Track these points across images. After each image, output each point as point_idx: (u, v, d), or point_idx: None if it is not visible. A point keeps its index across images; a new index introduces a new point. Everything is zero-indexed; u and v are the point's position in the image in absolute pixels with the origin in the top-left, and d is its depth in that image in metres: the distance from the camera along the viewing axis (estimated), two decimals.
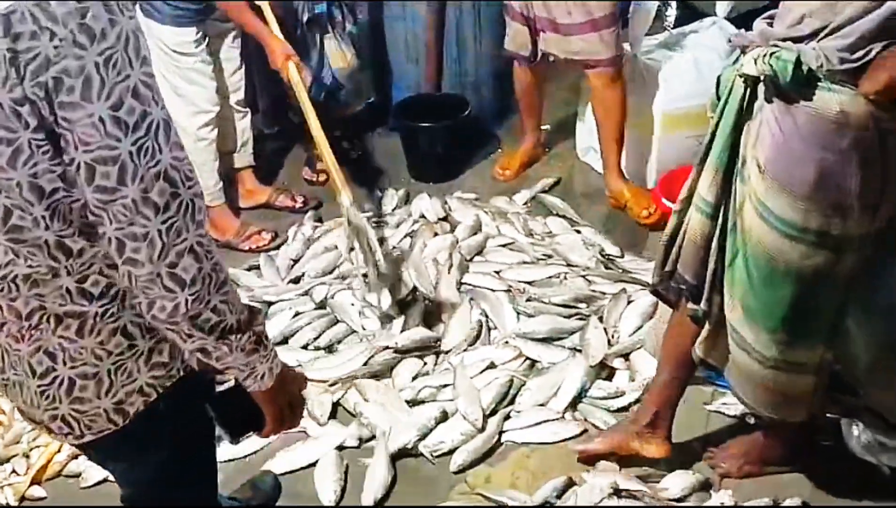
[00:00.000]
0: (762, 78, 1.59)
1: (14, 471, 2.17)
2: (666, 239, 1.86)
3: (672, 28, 3.59)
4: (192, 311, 1.04)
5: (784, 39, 1.57)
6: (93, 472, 2.15)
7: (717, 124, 1.71)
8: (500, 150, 3.55)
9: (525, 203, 3.16)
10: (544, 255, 2.82)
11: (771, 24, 1.64)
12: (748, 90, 1.64)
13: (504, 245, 2.88)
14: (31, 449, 2.21)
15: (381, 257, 2.57)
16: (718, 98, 1.71)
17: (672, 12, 3.95)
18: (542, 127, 3.44)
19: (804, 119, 1.54)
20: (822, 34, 1.52)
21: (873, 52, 1.46)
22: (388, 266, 2.61)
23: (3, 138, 0.97)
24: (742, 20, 3.36)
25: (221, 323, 1.08)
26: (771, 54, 1.56)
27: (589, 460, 2.10)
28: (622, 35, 2.94)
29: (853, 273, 1.64)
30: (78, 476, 2.16)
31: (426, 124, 3.31)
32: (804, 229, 1.59)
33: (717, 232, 1.73)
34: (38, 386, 1.17)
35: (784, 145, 1.58)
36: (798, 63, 1.51)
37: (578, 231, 2.96)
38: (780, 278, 1.65)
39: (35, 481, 2.14)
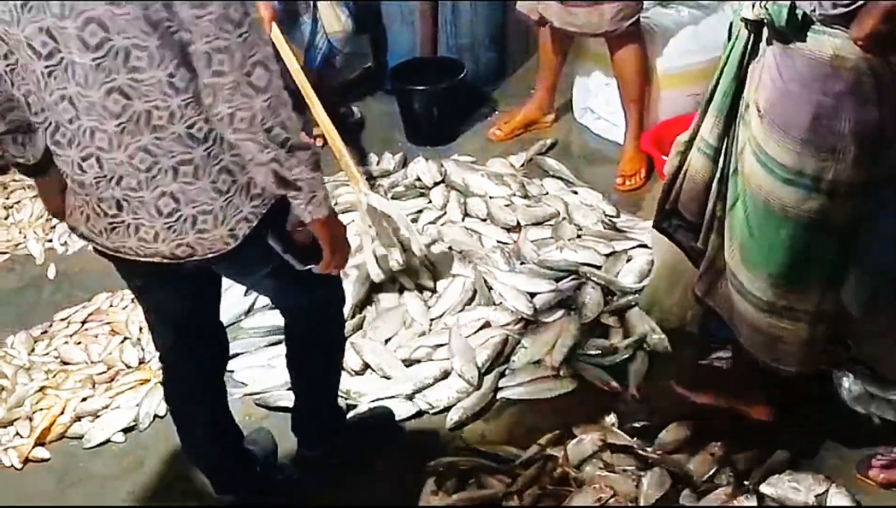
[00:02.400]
0: (765, 22, 1.60)
1: (18, 433, 2.20)
2: (668, 177, 1.91)
3: None
4: (266, 122, 1.27)
5: None
6: (95, 434, 2.19)
7: (722, 69, 1.75)
8: (496, 112, 3.55)
9: (522, 165, 3.16)
10: (540, 215, 2.82)
11: None
12: (752, 35, 1.66)
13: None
14: (34, 412, 2.25)
15: (419, 241, 2.57)
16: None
17: None
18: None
19: (801, 63, 1.56)
20: None
21: None
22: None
23: (137, 46, 1.21)
24: None
25: (289, 139, 1.31)
26: None
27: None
28: (637, 7, 2.85)
29: (848, 222, 1.65)
30: (81, 437, 2.20)
31: (422, 88, 3.30)
32: (799, 172, 1.61)
33: (718, 175, 1.79)
34: (165, 224, 1.40)
35: (782, 88, 1.60)
36: (793, 8, 1.54)
37: (575, 192, 2.97)
38: (776, 222, 1.68)
39: (39, 443, 2.18)
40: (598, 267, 2.58)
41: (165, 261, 1.46)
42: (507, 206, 2.88)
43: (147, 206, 1.39)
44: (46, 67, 1.26)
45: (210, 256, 1.46)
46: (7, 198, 3.10)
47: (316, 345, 1.87)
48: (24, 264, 2.85)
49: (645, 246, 2.62)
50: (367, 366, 2.33)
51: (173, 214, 1.40)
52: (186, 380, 1.80)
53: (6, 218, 3.02)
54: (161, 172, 1.35)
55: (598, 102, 3.27)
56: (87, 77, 1.25)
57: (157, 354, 2.34)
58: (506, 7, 3.58)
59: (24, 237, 2.92)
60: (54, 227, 2.96)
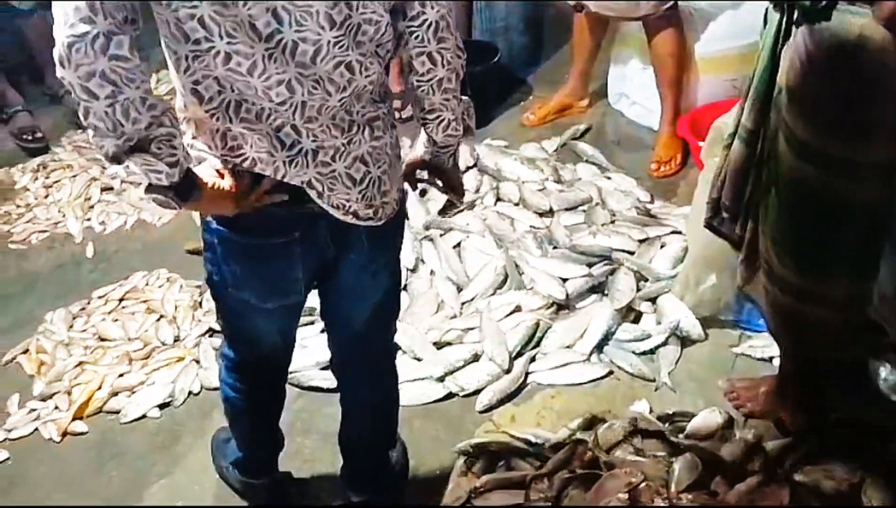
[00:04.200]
0: (792, 4, 1.58)
1: (56, 407, 2.25)
2: (717, 171, 1.91)
3: None
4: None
5: None
6: (131, 409, 2.23)
7: (759, 56, 1.74)
8: (531, 97, 3.53)
9: (555, 150, 3.15)
10: (573, 200, 2.81)
11: None
12: (783, 18, 1.64)
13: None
14: (72, 387, 2.29)
15: None
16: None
17: None
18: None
19: (827, 43, 1.54)
20: None
21: None
22: None
23: None
24: None
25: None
26: None
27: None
28: None
29: (878, 203, 1.62)
30: (118, 412, 2.24)
31: None
32: (827, 154, 1.59)
33: (755, 159, 1.78)
34: (359, 191, 1.41)
35: (809, 69, 1.58)
36: None
37: (609, 177, 2.95)
38: (805, 205, 1.67)
39: (77, 416, 2.23)
40: (632, 253, 2.56)
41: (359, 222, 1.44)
42: (539, 190, 2.87)
43: (341, 177, 1.39)
44: (266, 49, 1.23)
45: (383, 220, 1.47)
46: (47, 177, 3.15)
47: (370, 400, 1.81)
48: (64, 242, 2.90)
49: (679, 232, 2.60)
50: (398, 348, 2.34)
51: (365, 178, 1.41)
52: (271, 379, 1.77)
53: (46, 197, 3.07)
54: (357, 132, 1.37)
55: (633, 87, 3.24)
56: (324, 53, 1.26)
57: (195, 335, 2.41)
58: None
59: (63, 216, 2.97)
60: (93, 206, 3.01)
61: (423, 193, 1.62)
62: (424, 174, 1.60)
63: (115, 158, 1.23)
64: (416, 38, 1.35)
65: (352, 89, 1.32)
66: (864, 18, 1.49)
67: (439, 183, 1.63)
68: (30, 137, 3.27)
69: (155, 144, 1.23)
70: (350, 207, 1.42)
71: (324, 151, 1.36)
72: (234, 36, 1.21)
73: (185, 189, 1.30)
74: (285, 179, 1.36)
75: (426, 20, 1.33)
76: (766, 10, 1.75)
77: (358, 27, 1.28)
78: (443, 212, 1.74)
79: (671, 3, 2.81)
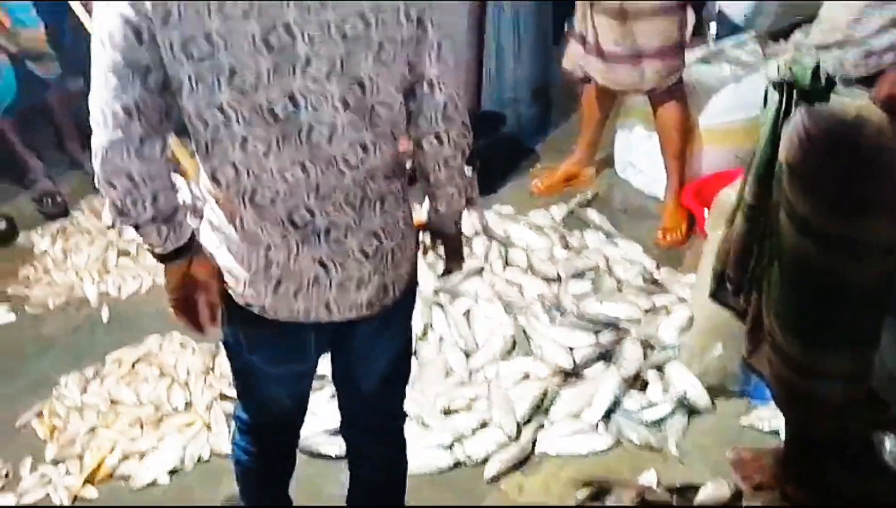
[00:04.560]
0: (791, 84, 1.65)
1: (68, 472, 2.27)
2: (721, 244, 1.95)
3: (713, 42, 3.61)
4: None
5: (812, 48, 1.63)
6: (143, 474, 2.25)
7: (760, 132, 1.79)
8: (538, 165, 3.60)
9: (563, 217, 3.20)
10: (580, 267, 2.85)
11: (807, 36, 1.70)
12: (783, 97, 1.70)
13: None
14: (84, 452, 2.32)
15: None
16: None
17: (713, 26, 3.97)
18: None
19: (826, 123, 1.60)
20: (846, 45, 1.57)
21: (886, 62, 1.50)
22: None
23: (390, 37, 1.28)
24: (781, 33, 3.38)
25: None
26: (794, 60, 1.64)
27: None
28: (679, 65, 2.90)
29: (877, 282, 1.66)
30: (128, 478, 2.26)
31: None
32: (826, 232, 1.63)
33: (758, 234, 1.82)
34: (371, 266, 1.43)
35: (808, 147, 1.63)
36: (817, 68, 1.58)
37: (616, 245, 3.00)
38: (806, 281, 1.70)
39: (88, 482, 2.24)
40: (639, 321, 2.59)
41: (359, 316, 1.46)
42: (547, 257, 2.91)
43: (353, 253, 1.41)
44: (282, 132, 1.28)
45: (398, 297, 1.49)
46: (66, 241, 3.22)
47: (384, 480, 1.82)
48: (80, 306, 2.95)
49: (685, 301, 2.63)
50: (406, 414, 2.35)
51: (377, 252, 1.43)
52: (282, 443, 1.79)
53: (64, 261, 3.13)
54: (368, 208, 1.40)
55: (639, 156, 3.31)
56: (339, 134, 1.31)
57: (206, 400, 2.44)
58: (549, 62, 3.66)
59: (81, 280, 3.03)
60: (109, 271, 3.07)
61: (424, 251, 1.65)
62: (427, 238, 1.64)
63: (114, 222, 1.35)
64: (424, 118, 1.39)
65: (365, 168, 1.36)
66: (862, 100, 1.55)
67: (441, 248, 1.66)
68: (50, 202, 3.36)
69: (153, 226, 1.33)
70: (360, 299, 1.44)
71: (336, 227, 1.39)
72: (250, 121, 1.26)
73: (169, 257, 1.39)
74: (298, 259, 1.39)
75: (434, 102, 1.38)
76: (766, 89, 1.81)
77: (372, 109, 1.32)
78: (443, 275, 1.77)
79: (676, 77, 2.89)
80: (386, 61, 1.29)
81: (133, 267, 3.08)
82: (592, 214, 3.19)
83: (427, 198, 1.56)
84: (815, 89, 1.60)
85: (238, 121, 1.26)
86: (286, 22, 1.22)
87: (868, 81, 1.54)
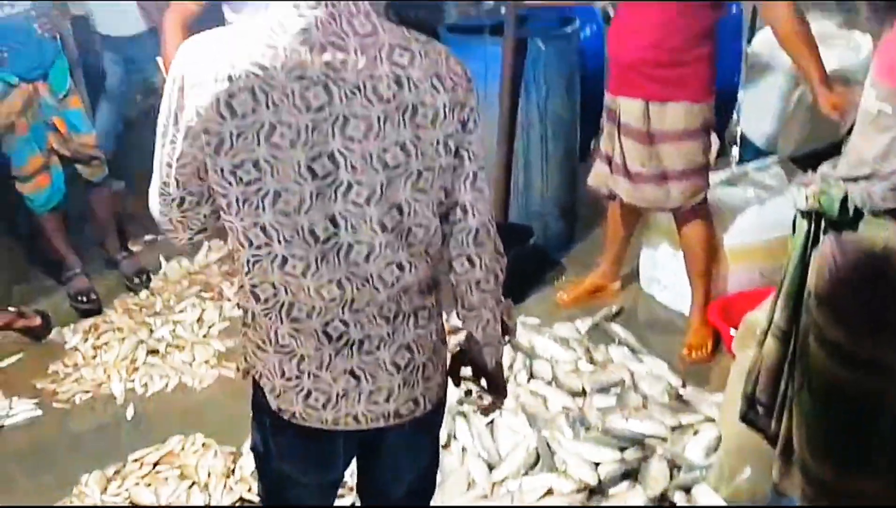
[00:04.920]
0: (819, 213, 1.69)
1: None
2: (751, 366, 1.95)
3: (736, 165, 3.71)
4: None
5: (839, 179, 1.69)
6: None
7: (790, 256, 1.83)
8: (564, 278, 3.65)
9: (587, 330, 3.21)
10: (605, 382, 2.84)
11: (834, 167, 1.77)
12: (811, 225, 1.74)
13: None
14: None
15: None
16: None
17: (735, 149, 4.10)
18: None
19: (853, 253, 1.63)
20: (872, 178, 1.63)
21: None
22: None
23: (429, 166, 1.32)
24: (804, 160, 3.47)
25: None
26: (822, 191, 1.68)
27: None
28: (704, 186, 2.96)
29: None
30: None
31: None
32: (856, 357, 1.64)
33: (789, 358, 1.83)
34: (402, 377, 1.44)
35: (837, 276, 1.66)
36: (844, 200, 1.63)
37: (641, 361, 2.99)
38: (837, 405, 1.70)
39: None
40: (664, 439, 2.56)
41: (388, 425, 1.47)
42: (572, 370, 2.91)
43: (384, 365, 1.42)
44: (321, 252, 1.32)
45: (428, 409, 1.49)
46: (97, 338, 3.27)
47: None
48: (106, 403, 2.97)
49: (712, 420, 2.60)
50: None
51: (409, 365, 1.44)
52: None
53: (94, 357, 3.17)
54: (402, 322, 1.41)
55: (664, 272, 3.34)
56: (376, 254, 1.34)
57: (226, 503, 2.42)
58: (575, 178, 3.76)
59: (108, 378, 3.06)
60: (137, 368, 3.10)
61: (468, 392, 1.65)
62: (468, 371, 1.63)
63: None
64: (457, 241, 1.42)
65: (400, 286, 1.38)
66: (888, 231, 1.59)
67: (483, 383, 1.64)
68: (84, 299, 3.42)
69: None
70: (389, 409, 1.45)
71: (369, 339, 1.40)
72: (290, 241, 1.31)
73: None
74: (330, 369, 1.40)
75: (467, 227, 1.41)
76: (795, 216, 1.86)
77: (409, 231, 1.35)
78: (484, 412, 1.75)
79: (701, 197, 2.96)
80: (424, 188, 1.33)
81: (161, 366, 3.12)
82: (617, 328, 3.20)
83: (462, 324, 1.55)
84: (843, 220, 1.64)
85: (279, 241, 1.31)
86: (331, 151, 1.27)
87: (895, 213, 1.59)
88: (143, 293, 3.55)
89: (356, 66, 1.25)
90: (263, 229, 1.31)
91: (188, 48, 1.30)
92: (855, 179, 1.66)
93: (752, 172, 3.34)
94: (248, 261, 1.35)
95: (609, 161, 3.05)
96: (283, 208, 1.29)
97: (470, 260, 1.43)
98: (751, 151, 3.89)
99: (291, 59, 1.23)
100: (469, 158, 1.37)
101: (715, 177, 3.26)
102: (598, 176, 3.15)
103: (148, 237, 3.95)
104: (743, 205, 3.15)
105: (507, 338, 1.58)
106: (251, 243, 1.33)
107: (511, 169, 3.62)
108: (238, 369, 1.57)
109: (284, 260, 1.33)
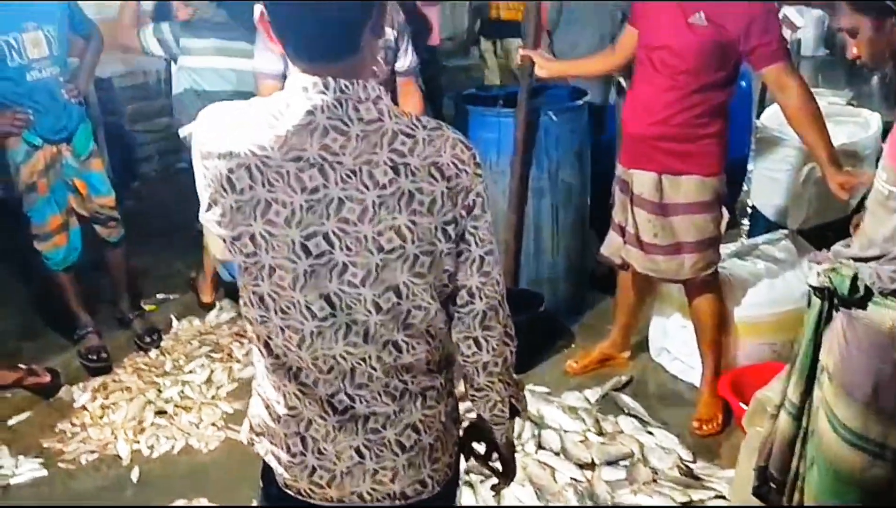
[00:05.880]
0: (829, 291, 1.71)
1: None
2: (763, 441, 1.95)
3: (746, 237, 3.74)
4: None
5: (850, 259, 1.71)
6: None
7: (804, 331, 1.85)
8: (574, 345, 3.64)
9: (597, 400, 3.20)
10: (614, 454, 2.81)
11: (847, 246, 1.79)
12: (824, 302, 1.76)
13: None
14: None
15: None
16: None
17: (746, 222, 4.12)
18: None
19: (863, 331, 1.64)
20: (882, 259, 1.65)
21: None
22: None
23: (426, 251, 1.30)
24: (813, 233, 3.49)
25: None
26: (833, 269, 1.70)
27: None
28: (716, 258, 2.97)
29: None
30: None
31: None
32: (864, 437, 1.64)
33: (801, 434, 1.83)
34: (407, 458, 1.42)
35: (847, 354, 1.67)
36: (854, 279, 1.64)
37: (651, 433, 2.97)
38: (845, 485, 1.70)
39: None
40: None
41: (395, 504, 1.45)
42: (581, 441, 2.89)
43: (390, 444, 1.41)
44: (318, 329, 1.32)
45: (436, 490, 1.47)
46: (106, 398, 3.27)
47: None
48: (111, 464, 2.95)
49: (723, 497, 2.57)
50: None
51: (415, 446, 1.42)
52: None
53: (101, 417, 3.17)
54: (409, 401, 1.40)
55: (674, 343, 3.34)
56: (372, 334, 1.33)
57: None
58: (586, 244, 3.79)
59: (115, 438, 3.05)
60: (144, 429, 3.09)
61: (467, 456, 1.62)
62: (482, 448, 1.61)
63: None
64: (464, 323, 1.40)
65: (400, 365, 1.37)
66: None
67: (493, 461, 1.62)
68: (95, 358, 3.44)
69: None
70: (395, 489, 1.43)
71: (375, 417, 1.39)
72: (287, 313, 1.32)
73: None
74: (335, 443, 1.39)
75: (474, 310, 1.39)
76: (809, 293, 1.87)
77: (407, 312, 1.33)
78: (494, 490, 1.73)
79: (712, 269, 2.97)
80: (421, 272, 1.31)
81: (168, 427, 3.11)
82: (627, 398, 3.18)
83: (472, 404, 1.53)
84: (854, 299, 1.66)
85: (276, 312, 1.33)
86: (325, 232, 1.27)
87: None
88: (154, 352, 3.57)
89: (355, 151, 1.26)
90: (261, 299, 1.33)
91: (208, 118, 1.34)
92: (865, 260, 1.68)
93: (762, 245, 3.35)
94: (256, 318, 1.36)
95: (622, 231, 3.08)
96: (279, 283, 1.31)
97: (477, 343, 1.42)
98: (761, 224, 3.91)
99: (291, 140, 1.25)
100: (476, 242, 1.35)
101: (725, 250, 3.27)
102: (612, 246, 3.17)
103: (160, 296, 3.99)
104: (753, 279, 3.15)
105: (516, 419, 1.56)
106: (255, 308, 1.35)
107: (522, 235, 3.66)
108: (245, 436, 1.55)
109: (282, 330, 1.34)
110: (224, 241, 1.32)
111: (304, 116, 1.25)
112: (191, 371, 3.42)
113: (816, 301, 1.78)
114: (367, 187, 1.26)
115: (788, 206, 3.70)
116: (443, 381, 1.44)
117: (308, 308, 1.31)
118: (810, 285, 1.76)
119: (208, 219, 1.33)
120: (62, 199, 3.32)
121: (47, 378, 3.27)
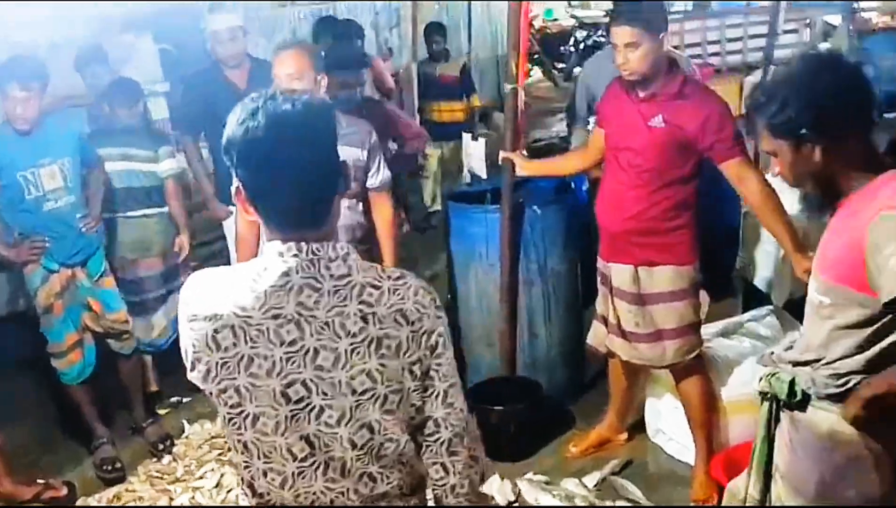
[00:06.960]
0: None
1: None
2: None
3: (742, 312, 3.80)
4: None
5: (791, 363, 1.81)
6: None
7: (756, 432, 1.94)
8: (572, 429, 3.70)
9: (595, 485, 3.25)
10: None
11: (790, 348, 1.89)
12: (771, 404, 1.85)
13: None
14: None
15: None
16: None
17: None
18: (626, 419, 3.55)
19: (805, 433, 1.74)
20: (818, 364, 1.74)
21: (852, 383, 1.66)
22: None
23: (395, 390, 1.41)
24: (798, 307, 3.55)
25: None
26: (773, 374, 1.80)
27: None
28: (697, 342, 3.06)
29: None
30: None
31: (499, 407, 3.51)
32: None
33: None
34: None
35: (793, 454, 1.77)
36: (792, 384, 1.73)
37: None
38: None
39: None
40: None
41: None
42: None
43: None
44: (298, 469, 1.44)
45: None
46: None
47: None
48: None
49: None
50: None
51: None
52: None
53: None
54: None
55: (669, 424, 3.40)
56: (349, 468, 1.44)
57: None
58: (581, 327, 3.87)
59: None
60: None
61: None
62: None
63: None
64: (432, 451, 1.51)
65: (377, 493, 1.49)
66: (833, 417, 1.69)
67: None
68: (109, 468, 3.56)
69: None
70: None
71: None
72: (270, 457, 1.43)
73: None
74: None
75: (440, 438, 1.48)
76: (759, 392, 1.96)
77: (380, 446, 1.44)
78: None
79: (695, 352, 3.06)
80: (391, 409, 1.43)
81: None
82: (625, 482, 3.23)
83: None
84: (793, 402, 1.75)
85: (259, 457, 1.46)
86: (303, 379, 1.42)
87: (839, 397, 1.69)
88: (166, 458, 3.69)
89: (328, 305, 1.41)
90: (245, 445, 1.46)
91: (194, 283, 1.50)
92: (803, 364, 1.78)
93: (746, 323, 3.43)
94: (239, 464, 1.50)
95: (605, 321, 3.18)
96: (262, 429, 1.44)
97: (444, 468, 1.52)
98: (756, 295, 3.97)
99: (269, 300, 1.41)
100: (440, 378, 1.47)
101: (710, 329, 3.36)
102: (597, 336, 3.27)
103: (173, 399, 4.12)
104: (739, 357, 3.23)
105: None
106: (240, 452, 1.48)
107: (516, 323, 3.76)
108: None
109: (265, 473, 1.47)
110: (210, 395, 1.46)
111: (280, 278, 1.41)
112: (201, 477, 3.52)
113: (764, 403, 1.87)
114: (339, 337, 1.40)
115: (773, 281, 3.78)
116: (416, 501, 1.56)
117: (289, 451, 1.44)
118: (755, 389, 1.85)
119: (194, 378, 1.47)
120: (77, 318, 3.50)
121: (64, 492, 3.39)
